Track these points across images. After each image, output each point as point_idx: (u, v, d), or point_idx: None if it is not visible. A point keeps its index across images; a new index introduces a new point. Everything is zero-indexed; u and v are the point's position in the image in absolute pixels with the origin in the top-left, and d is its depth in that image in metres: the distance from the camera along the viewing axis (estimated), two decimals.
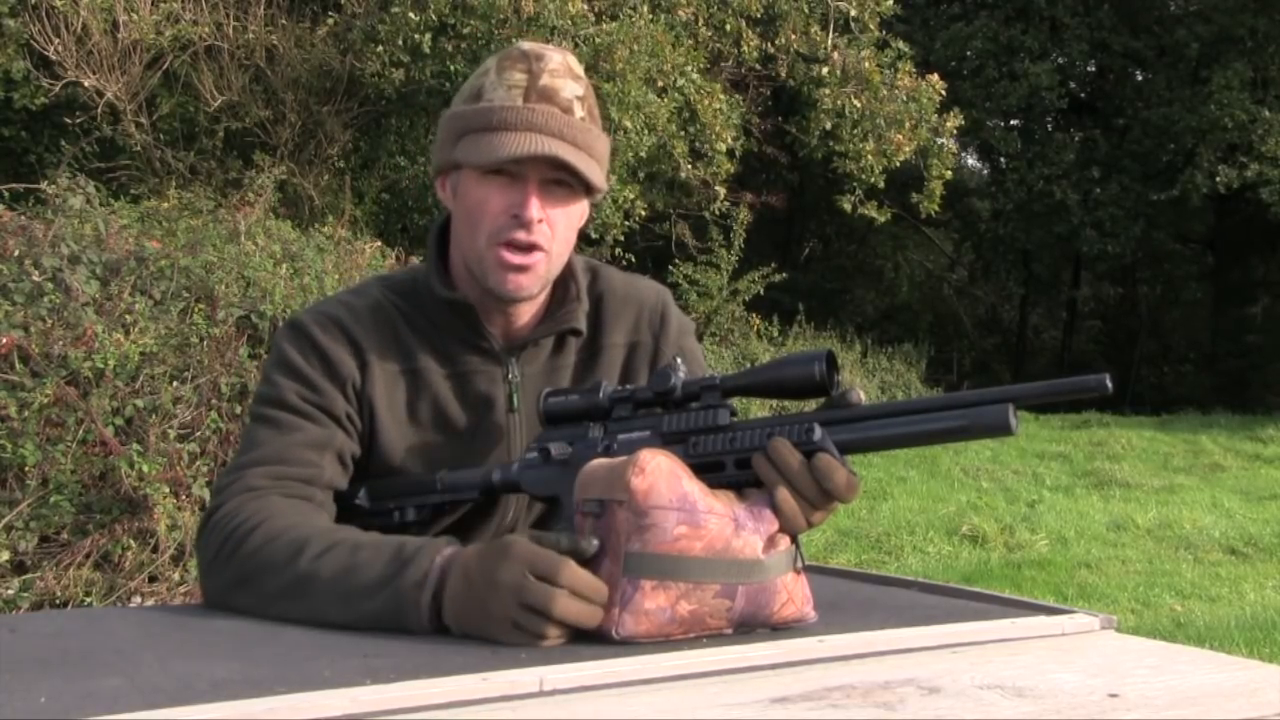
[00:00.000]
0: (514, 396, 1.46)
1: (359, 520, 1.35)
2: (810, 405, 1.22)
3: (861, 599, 1.34)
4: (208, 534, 1.30)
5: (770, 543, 1.11)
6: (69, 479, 3.94)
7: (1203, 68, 16.21)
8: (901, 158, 10.44)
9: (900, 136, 10.17)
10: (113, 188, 7.33)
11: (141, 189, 7.75)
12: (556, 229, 1.40)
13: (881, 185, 10.54)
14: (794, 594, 1.13)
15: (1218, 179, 14.82)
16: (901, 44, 10.64)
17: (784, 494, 1.12)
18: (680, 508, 1.06)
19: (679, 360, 1.28)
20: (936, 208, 11.27)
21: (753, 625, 1.11)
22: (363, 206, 8.46)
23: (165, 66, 7.86)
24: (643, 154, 8.50)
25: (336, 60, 8.38)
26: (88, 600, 3.89)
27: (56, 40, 7.33)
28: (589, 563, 1.06)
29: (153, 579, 4.07)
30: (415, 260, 6.34)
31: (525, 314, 1.47)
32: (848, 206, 10.94)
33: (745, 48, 9.90)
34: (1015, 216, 17.18)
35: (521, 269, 1.39)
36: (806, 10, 10.17)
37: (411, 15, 7.81)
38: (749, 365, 9.18)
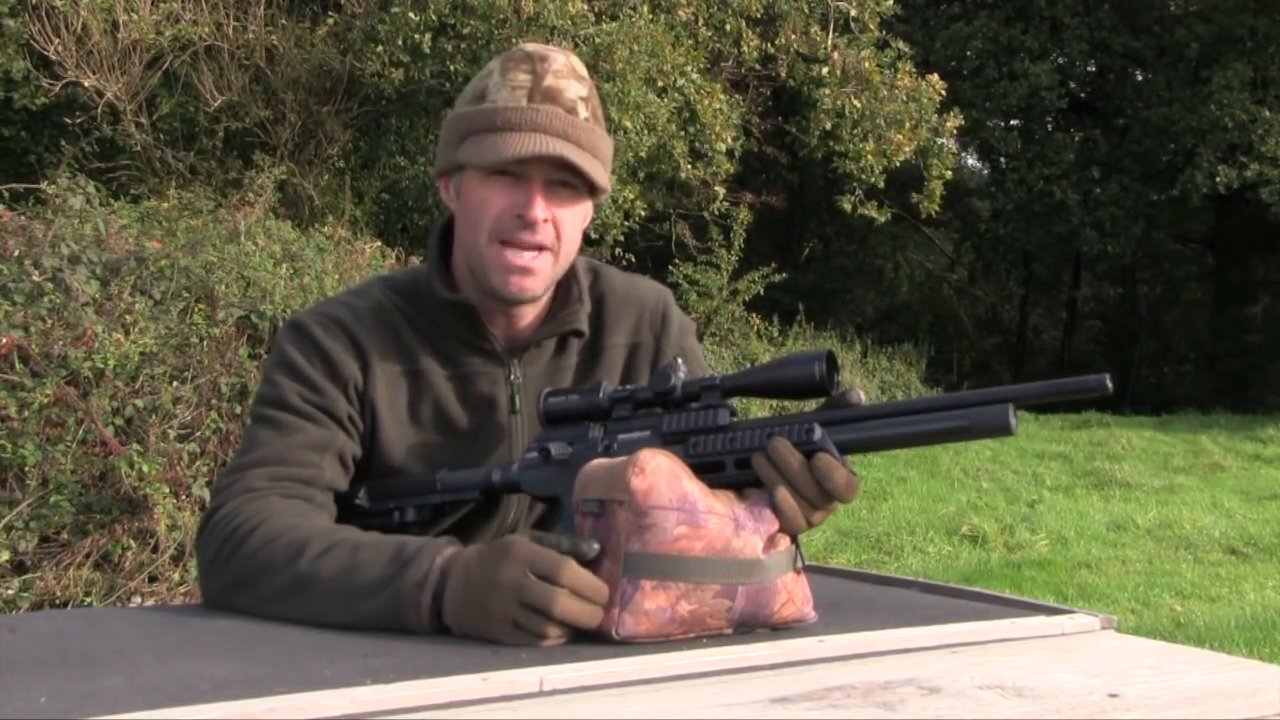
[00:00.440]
0: (516, 398, 1.46)
1: (359, 520, 1.35)
2: (810, 405, 1.22)
3: (861, 599, 1.34)
4: (207, 534, 1.30)
5: (770, 543, 1.11)
6: (69, 479, 3.94)
7: (1203, 68, 16.20)
8: (901, 158, 10.44)
9: (900, 136, 10.17)
10: (113, 188, 7.34)
11: (141, 189, 7.75)
12: (562, 229, 1.39)
13: (881, 185, 10.54)
14: (794, 594, 1.13)
15: (1218, 179, 14.82)
16: (901, 44, 10.64)
17: (784, 494, 1.12)
18: (680, 508, 1.06)
19: (679, 360, 1.28)
20: (936, 208, 11.27)
21: (753, 625, 1.11)
22: (363, 206, 8.46)
23: (165, 66, 7.86)
24: (643, 154, 8.50)
25: (336, 60, 8.38)
26: (88, 600, 3.89)
27: (56, 40, 7.33)
28: (589, 563, 1.07)
29: (153, 579, 4.07)
30: (415, 260, 6.34)
31: (528, 315, 1.47)
32: (848, 206, 10.94)
33: (745, 48, 9.90)
34: (1015, 216, 17.18)
35: (526, 271, 1.38)
36: (806, 10, 10.17)
37: (411, 15, 7.81)
38: (749, 365, 9.18)
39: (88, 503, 4.02)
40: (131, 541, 4.01)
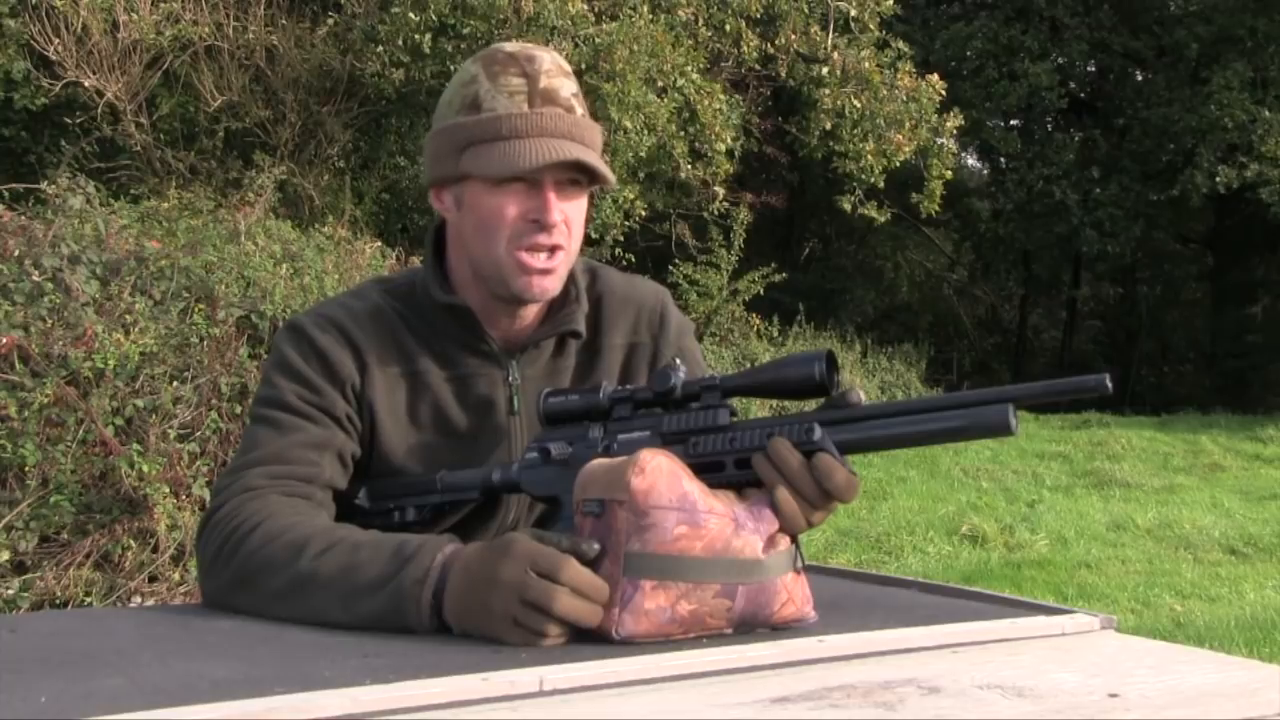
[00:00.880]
0: (515, 399, 1.46)
1: (359, 521, 1.35)
2: (810, 405, 1.22)
3: (861, 599, 1.34)
4: (207, 534, 1.30)
5: (770, 543, 1.11)
6: (69, 479, 3.94)
7: (1203, 68, 16.20)
8: (901, 158, 10.44)
9: (900, 136, 10.17)
10: (113, 188, 7.33)
11: (141, 189, 7.75)
12: (572, 226, 1.41)
13: (881, 185, 10.55)
14: (794, 594, 1.13)
15: (1217, 179, 14.82)
16: (901, 44, 10.64)
17: (784, 494, 1.12)
18: (680, 508, 1.06)
19: (678, 360, 1.28)
20: (936, 208, 11.27)
21: (753, 625, 1.11)
22: (363, 206, 8.47)
23: (165, 66, 7.86)
24: (642, 154, 8.50)
25: (336, 60, 8.38)
26: (88, 600, 3.89)
27: (56, 40, 7.33)
28: (589, 563, 1.06)
29: (153, 579, 4.07)
30: (415, 260, 6.34)
31: (529, 316, 1.47)
32: (848, 206, 10.95)
33: (745, 48, 9.90)
34: (1015, 216, 17.19)
35: (546, 272, 1.39)
36: (806, 10, 10.17)
37: (411, 15, 7.81)
38: (749, 365, 9.19)
39: (88, 503, 4.02)
40: (131, 541, 4.01)
